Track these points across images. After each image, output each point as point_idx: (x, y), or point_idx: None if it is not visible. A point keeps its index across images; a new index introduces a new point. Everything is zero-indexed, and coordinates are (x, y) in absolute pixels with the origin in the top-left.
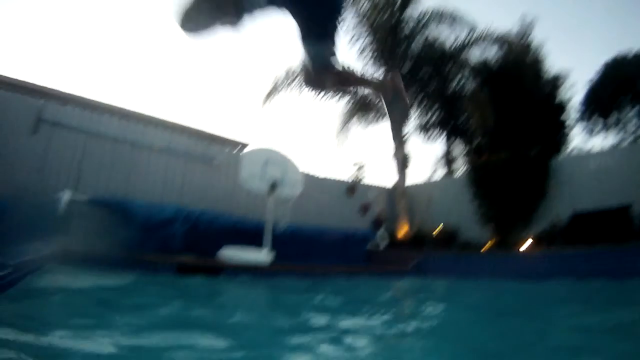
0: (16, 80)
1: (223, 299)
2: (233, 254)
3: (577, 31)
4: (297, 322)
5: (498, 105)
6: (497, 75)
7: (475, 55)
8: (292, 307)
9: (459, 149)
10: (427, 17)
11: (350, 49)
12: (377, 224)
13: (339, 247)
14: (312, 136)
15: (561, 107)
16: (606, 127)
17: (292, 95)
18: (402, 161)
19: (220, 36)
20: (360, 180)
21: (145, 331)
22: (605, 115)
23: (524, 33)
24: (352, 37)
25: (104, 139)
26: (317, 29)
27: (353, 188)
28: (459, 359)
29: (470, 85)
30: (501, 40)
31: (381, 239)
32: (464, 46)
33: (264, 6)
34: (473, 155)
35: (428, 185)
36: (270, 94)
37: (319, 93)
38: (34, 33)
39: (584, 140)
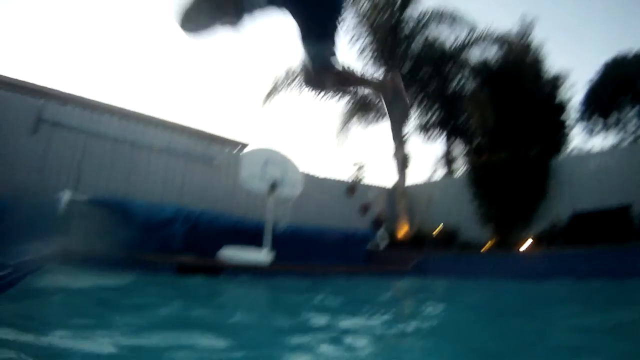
0: (16, 80)
1: (223, 299)
2: (233, 254)
3: (577, 31)
4: (297, 322)
5: (498, 105)
6: (497, 75)
7: (475, 55)
8: (292, 307)
9: (459, 149)
10: (427, 17)
11: (350, 49)
12: (377, 224)
13: (339, 247)
14: (312, 136)
15: (561, 107)
16: (606, 127)
17: (292, 95)
18: (402, 161)
19: (221, 36)
20: (360, 180)
21: (145, 331)
22: (605, 115)
23: (524, 33)
24: (352, 37)
25: (104, 139)
26: (317, 29)
27: (353, 188)
28: (459, 359)
29: (470, 85)
30: (501, 40)
31: (381, 239)
32: (464, 46)
33: (263, 6)
34: (473, 155)
35: (428, 185)
36: (270, 94)
37: (319, 93)
38: (34, 33)
39: (584, 140)
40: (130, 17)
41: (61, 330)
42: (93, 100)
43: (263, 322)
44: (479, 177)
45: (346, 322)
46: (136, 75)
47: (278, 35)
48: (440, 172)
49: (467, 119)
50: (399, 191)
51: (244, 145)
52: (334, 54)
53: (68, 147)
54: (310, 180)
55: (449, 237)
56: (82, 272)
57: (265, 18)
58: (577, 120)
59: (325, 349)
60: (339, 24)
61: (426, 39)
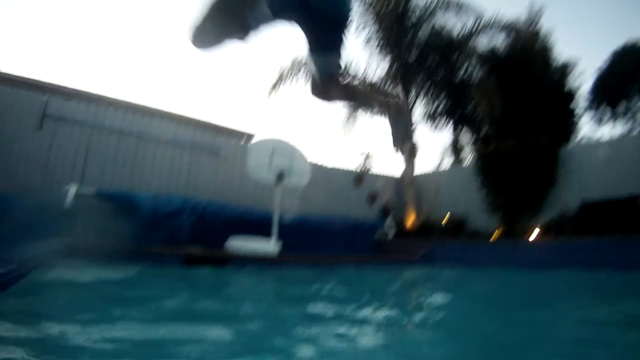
0: (20, 76)
1: (230, 290)
2: (240, 244)
3: (586, 18)
4: (305, 313)
5: (506, 94)
6: (504, 63)
7: (482, 43)
8: (300, 297)
9: (466, 137)
10: (434, 5)
11: (356, 39)
12: (384, 213)
13: (347, 236)
14: (319, 126)
15: (570, 96)
16: (615, 116)
17: (299, 85)
18: (410, 151)
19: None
20: (368, 169)
21: (153, 324)
22: (613, 104)
23: (532, 20)
24: (358, 26)
25: (109, 132)
26: (324, 41)
27: (361, 178)
28: (468, 349)
29: (477, 73)
30: (509, 28)
31: (389, 228)
32: (471, 34)
33: (270, 20)
34: (481, 143)
35: (436, 174)
36: (276, 84)
37: (326, 103)
38: (36, 28)
39: (593, 129)
40: (133, 9)
41: (67, 325)
42: (97, 94)
43: (271, 313)
44: (486, 165)
45: (354, 313)
46: (141, 68)
47: (284, 28)
48: (448, 161)
49: (475, 107)
50: (407, 180)
51: (251, 136)
52: (340, 65)
53: (73, 141)
54: (318, 170)
55: (457, 226)
56: (88, 266)
57: (273, 29)
58: (586, 109)
59: (334, 339)
60: (346, 36)
61: (433, 27)
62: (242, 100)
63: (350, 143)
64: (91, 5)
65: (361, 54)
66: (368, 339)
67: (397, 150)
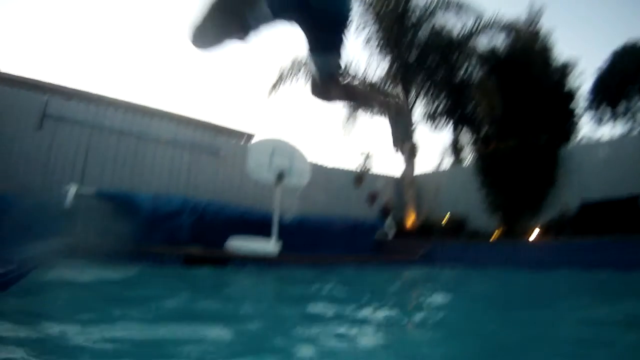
0: (20, 76)
1: (230, 290)
2: (240, 244)
3: (586, 18)
4: (306, 313)
5: (506, 94)
6: (504, 63)
7: (482, 43)
8: (300, 297)
9: (466, 137)
10: (434, 5)
11: (356, 39)
12: (384, 213)
13: (347, 236)
14: (319, 126)
15: (570, 96)
16: (615, 116)
17: (299, 85)
18: (410, 151)
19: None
20: (368, 169)
21: (152, 324)
22: (613, 104)
23: (532, 20)
24: (358, 26)
25: (109, 132)
26: (324, 42)
27: (361, 178)
28: (468, 349)
29: (477, 73)
30: (509, 28)
31: (389, 228)
32: (471, 34)
33: (270, 20)
34: (481, 143)
35: (436, 174)
36: (276, 84)
37: (326, 103)
38: (36, 28)
39: (593, 129)
40: (133, 9)
41: (67, 325)
42: (97, 94)
43: (271, 313)
44: (486, 165)
45: (354, 313)
46: (141, 67)
47: (283, 28)
48: (448, 161)
49: (475, 107)
50: (407, 180)
51: (251, 136)
52: (340, 65)
53: (73, 141)
54: (318, 170)
55: (457, 226)
56: (88, 266)
57: (272, 29)
58: (586, 109)
59: (334, 339)
60: (346, 36)
61: (433, 27)
62: (242, 100)
63: (350, 143)
64: (91, 5)
65: (361, 54)
66: (368, 339)
67: (397, 150)
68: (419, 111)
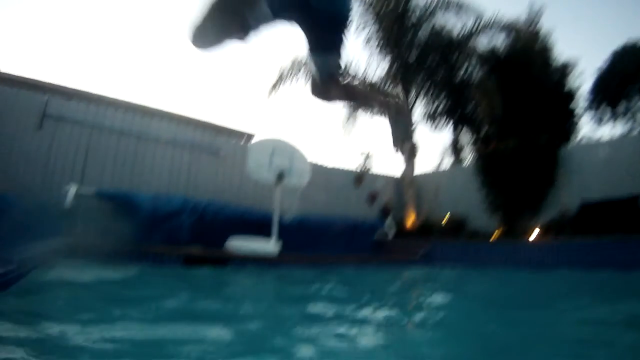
0: (20, 76)
1: (230, 290)
2: (240, 244)
3: (586, 18)
4: (306, 313)
5: (506, 94)
6: (504, 63)
7: (482, 43)
8: (300, 297)
9: (466, 137)
10: (434, 5)
11: (356, 39)
12: (384, 213)
13: (347, 236)
14: (319, 126)
15: (570, 96)
16: (615, 117)
17: (299, 85)
18: (410, 151)
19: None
20: (368, 169)
21: (153, 323)
22: (613, 104)
23: (532, 20)
24: (358, 26)
25: (109, 132)
26: (324, 41)
27: (361, 178)
28: (468, 349)
29: (477, 73)
30: (509, 28)
31: (389, 228)
32: (471, 34)
33: (270, 20)
34: (481, 143)
35: (436, 174)
36: (276, 84)
37: (326, 103)
38: (36, 28)
39: (593, 129)
40: (133, 9)
41: (67, 325)
42: (97, 94)
43: (271, 313)
44: (486, 165)
45: (354, 313)
46: (141, 67)
47: (283, 28)
48: (448, 161)
49: (475, 107)
50: (407, 180)
51: (251, 136)
52: (340, 65)
53: (73, 141)
54: (318, 170)
55: (457, 226)
56: (88, 266)
57: (272, 29)
58: (586, 109)
59: (334, 339)
60: (346, 36)
61: (433, 27)
62: (242, 100)
63: (350, 143)
64: (91, 5)
65: (361, 54)
66: (368, 339)
67: (397, 150)
68: (419, 111)
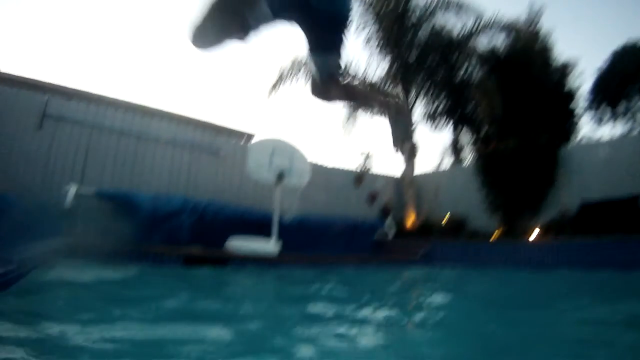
0: (20, 76)
1: (230, 290)
2: (240, 244)
3: (586, 18)
4: (306, 313)
5: (506, 94)
6: (504, 63)
7: (482, 43)
8: (300, 297)
9: (466, 137)
10: (434, 5)
11: (356, 39)
12: (384, 213)
13: (347, 236)
14: (319, 126)
15: (570, 95)
16: (615, 117)
17: (299, 85)
18: (410, 151)
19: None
20: (368, 169)
21: (153, 323)
22: (613, 104)
23: (532, 20)
24: (358, 26)
25: (109, 132)
26: (324, 41)
27: (361, 178)
28: (468, 349)
29: (477, 73)
30: (509, 28)
31: (389, 228)
32: (471, 34)
33: (270, 20)
34: (481, 143)
35: (436, 174)
36: (276, 84)
37: (326, 103)
38: (37, 27)
39: (593, 129)
40: (133, 9)
41: (67, 325)
42: (97, 94)
43: (271, 313)
44: (487, 165)
45: (354, 313)
46: (141, 67)
47: (283, 28)
48: (448, 161)
49: (475, 107)
50: (407, 180)
51: (250, 136)
52: (340, 65)
53: (73, 141)
54: (318, 170)
55: (457, 226)
56: (88, 265)
57: (272, 29)
58: (586, 109)
59: (334, 339)
60: (346, 36)
61: (433, 27)
62: (242, 100)
63: (350, 143)
64: (91, 5)
65: (361, 54)
66: (368, 339)
67: (397, 150)
68: (419, 111)
